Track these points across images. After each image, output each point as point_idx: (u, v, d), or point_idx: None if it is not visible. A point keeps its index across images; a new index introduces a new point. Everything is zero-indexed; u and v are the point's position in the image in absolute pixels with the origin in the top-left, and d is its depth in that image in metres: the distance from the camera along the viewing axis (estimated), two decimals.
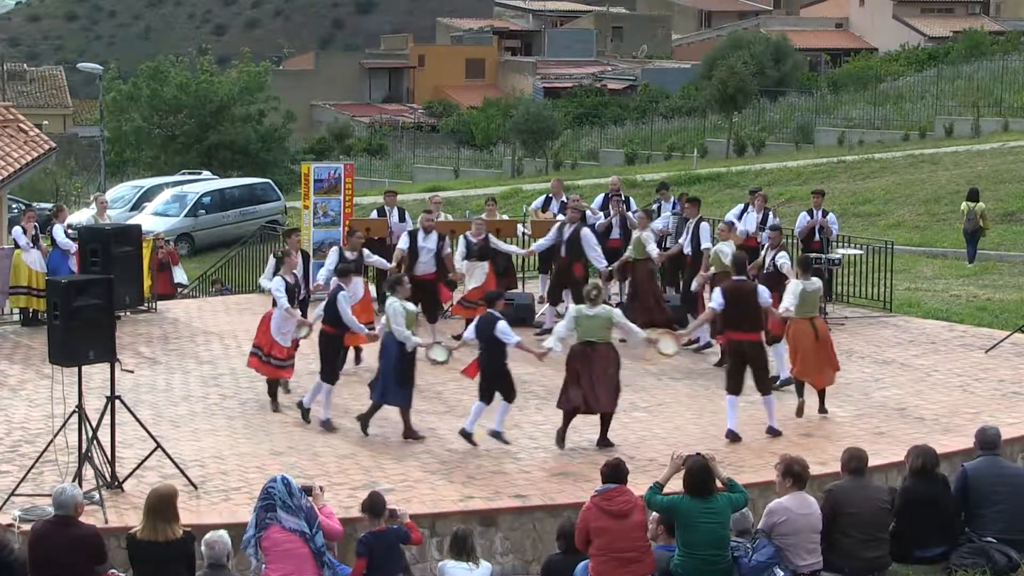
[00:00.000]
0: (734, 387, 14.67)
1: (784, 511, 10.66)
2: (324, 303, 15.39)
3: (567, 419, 14.37)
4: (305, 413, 15.25)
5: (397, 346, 14.44)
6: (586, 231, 19.34)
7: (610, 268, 19.67)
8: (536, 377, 16.49)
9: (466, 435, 14.35)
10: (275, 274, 16.28)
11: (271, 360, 15.79)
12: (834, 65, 73.96)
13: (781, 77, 61.80)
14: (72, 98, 71.14)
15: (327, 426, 15.00)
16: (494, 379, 14.36)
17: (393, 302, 14.54)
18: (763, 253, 18.32)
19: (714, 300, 14.90)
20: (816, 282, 15.74)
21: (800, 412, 15.33)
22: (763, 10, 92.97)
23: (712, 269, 18.04)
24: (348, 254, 17.32)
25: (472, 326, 14.71)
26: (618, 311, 14.83)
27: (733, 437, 14.50)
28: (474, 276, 19.24)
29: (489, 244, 19.44)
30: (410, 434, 14.63)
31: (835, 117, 53.17)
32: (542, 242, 19.99)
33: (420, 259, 18.73)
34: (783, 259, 17.68)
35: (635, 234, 19.44)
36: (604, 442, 14.38)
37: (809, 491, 11.06)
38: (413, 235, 18.96)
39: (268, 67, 57.91)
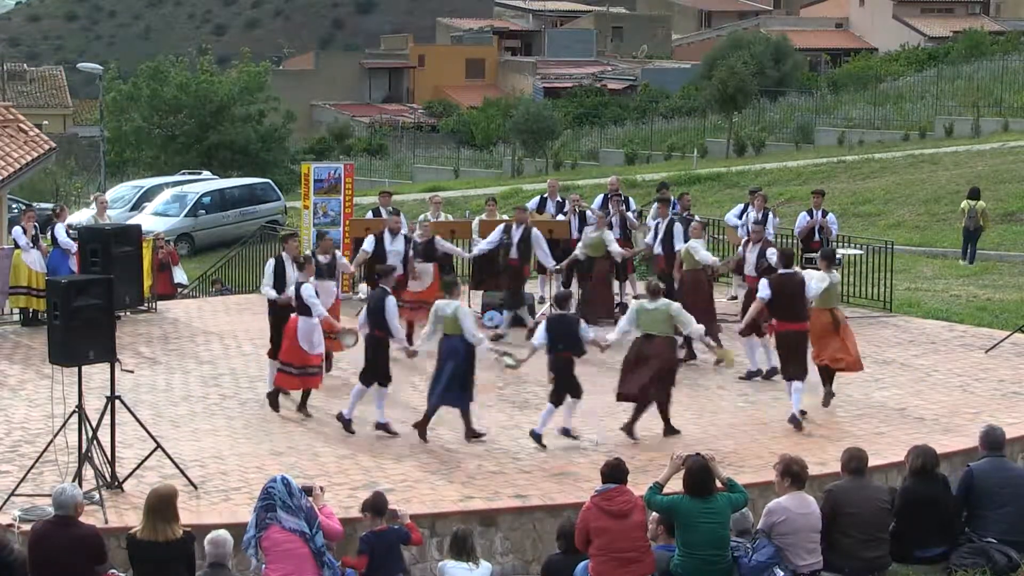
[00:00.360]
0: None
1: (783, 511, 10.66)
2: (367, 308, 14.99)
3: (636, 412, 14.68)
4: (347, 424, 14.80)
5: (466, 348, 14.34)
6: (536, 231, 19.35)
7: (558, 267, 19.77)
8: (536, 377, 16.48)
9: (537, 437, 14.35)
10: (275, 280, 15.96)
11: (306, 371, 15.35)
12: (834, 65, 73.97)
13: (781, 77, 61.80)
14: (72, 98, 71.12)
15: (387, 429, 14.68)
16: (566, 379, 14.37)
17: (459, 305, 14.43)
18: (742, 250, 18.34)
19: (762, 291, 15.30)
20: (837, 275, 16.27)
21: (827, 402, 15.65)
22: (763, 10, 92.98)
23: (684, 266, 18.13)
24: (321, 257, 16.80)
25: (543, 329, 14.55)
26: (677, 304, 14.94)
27: (795, 422, 14.97)
28: (420, 279, 18.98)
29: (434, 245, 19.33)
30: (472, 434, 14.52)
31: (835, 117, 53.17)
32: (483, 245, 19.89)
33: (388, 262, 18.06)
34: (773, 255, 17.68)
35: (591, 232, 19.46)
36: (629, 428, 14.54)
37: (809, 491, 11.06)
38: (380, 238, 18.58)
39: (268, 67, 57.89)
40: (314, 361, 15.45)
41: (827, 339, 15.62)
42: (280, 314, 15.99)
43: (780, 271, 15.51)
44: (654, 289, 14.69)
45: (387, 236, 18.54)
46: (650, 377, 14.48)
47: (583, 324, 14.55)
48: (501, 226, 19.77)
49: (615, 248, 19.55)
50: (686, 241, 18.65)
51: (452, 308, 14.44)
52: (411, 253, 18.59)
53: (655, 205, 21.85)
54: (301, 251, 17.13)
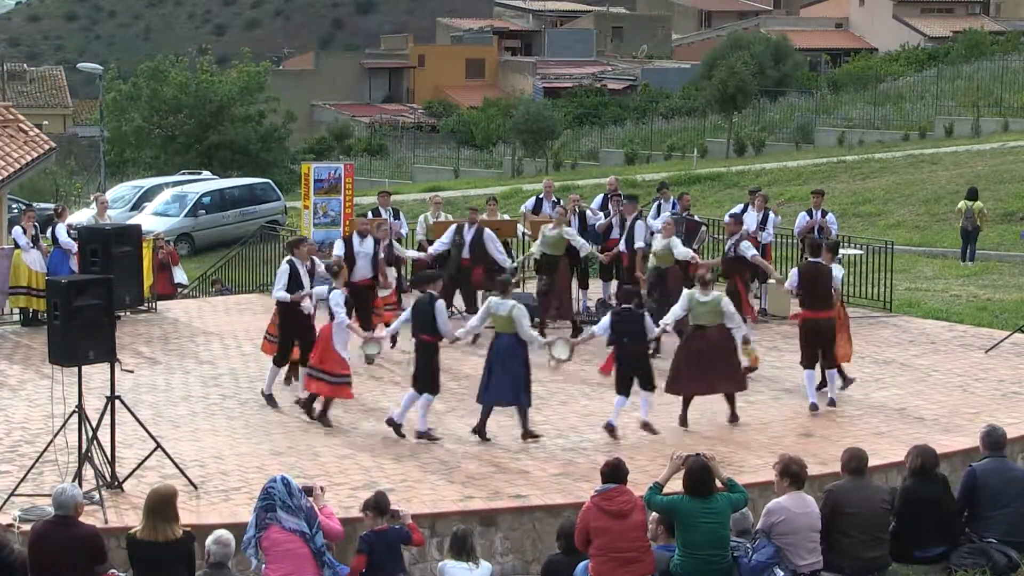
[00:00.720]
0: (809, 363, 15.72)
1: (782, 511, 10.66)
2: (412, 312, 14.75)
3: (686, 403, 15.08)
4: (397, 428, 14.65)
5: (523, 347, 14.43)
6: (488, 231, 19.21)
7: (513, 265, 19.75)
8: (536, 377, 16.48)
9: (611, 428, 14.63)
10: (290, 284, 15.59)
11: (342, 378, 15.01)
12: (834, 65, 73.97)
13: (781, 77, 61.80)
14: (72, 98, 71.16)
15: (428, 436, 14.57)
16: (638, 370, 14.65)
17: (515, 304, 14.47)
18: (728, 245, 18.79)
19: (789, 282, 15.87)
20: (842, 268, 17.00)
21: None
22: (763, 10, 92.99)
23: (654, 262, 18.48)
24: (299, 264, 16.16)
25: (607, 321, 14.72)
26: (727, 298, 15.26)
27: (815, 409, 15.53)
28: (390, 284, 18.88)
29: (393, 251, 19.16)
30: (529, 434, 14.54)
31: (835, 117, 53.19)
32: (437, 245, 19.64)
33: (357, 263, 17.88)
34: (749, 248, 18.31)
35: (549, 230, 19.42)
36: (734, 418, 15.05)
37: (809, 491, 11.06)
38: (349, 240, 18.20)
39: (268, 67, 57.88)
40: (346, 369, 15.10)
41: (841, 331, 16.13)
42: (293, 318, 15.71)
43: (809, 259, 16.00)
44: (705, 281, 14.97)
45: (355, 238, 18.05)
46: (732, 367, 14.91)
47: (649, 320, 14.77)
48: (453, 226, 19.70)
49: (580, 241, 19.49)
50: (647, 242, 19.05)
51: (508, 307, 14.47)
52: (381, 255, 18.31)
53: (657, 203, 21.94)
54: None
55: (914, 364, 18.15)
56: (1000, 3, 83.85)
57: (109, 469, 12.64)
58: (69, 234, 20.30)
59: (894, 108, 52.39)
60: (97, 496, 12.01)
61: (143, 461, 12.94)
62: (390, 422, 14.69)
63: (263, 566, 10.34)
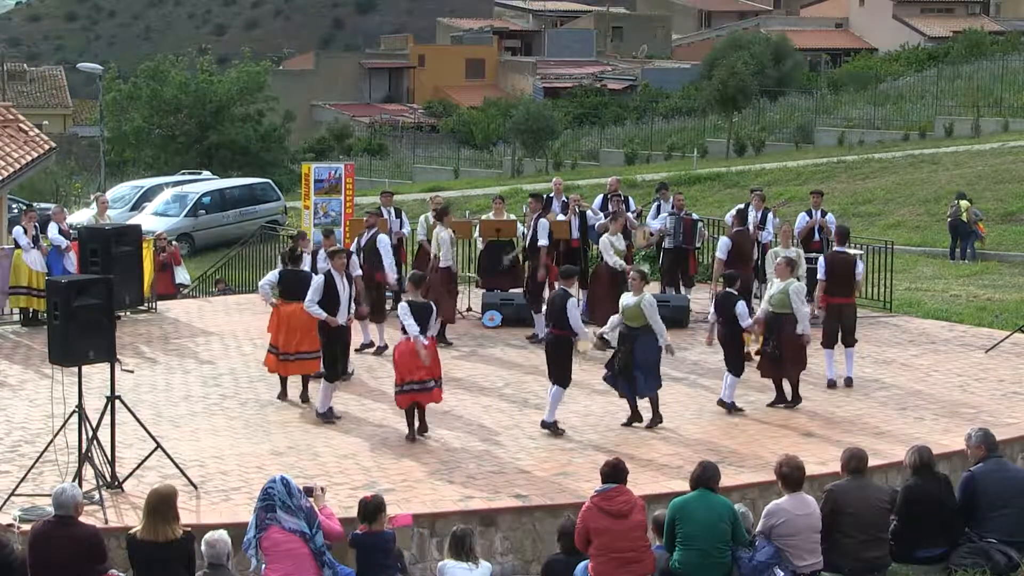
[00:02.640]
0: (829, 343, 16.73)
1: (782, 512, 10.66)
2: (548, 310, 15.09)
3: (778, 386, 15.93)
4: (552, 428, 14.73)
5: (654, 340, 14.84)
6: (382, 238, 18.85)
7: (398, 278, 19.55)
8: (536, 376, 16.50)
9: (728, 405, 15.59)
10: (325, 297, 15.13)
11: (426, 385, 14.58)
12: (834, 65, 73.95)
13: (781, 77, 61.77)
14: (72, 98, 71.14)
15: (553, 428, 14.74)
16: (729, 351, 15.62)
17: (640, 298, 14.80)
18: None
19: (819, 271, 16.91)
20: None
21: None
22: (763, 10, 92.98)
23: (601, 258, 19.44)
24: (336, 277, 15.59)
25: (713, 307, 15.95)
26: (797, 284, 15.89)
27: (832, 385, 16.64)
28: None
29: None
30: (659, 420, 15.03)
31: (835, 117, 53.16)
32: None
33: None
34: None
35: (438, 231, 19.37)
36: (795, 400, 15.75)
37: (809, 491, 11.06)
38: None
39: (268, 67, 57.88)
40: (433, 374, 14.61)
41: None
42: (333, 332, 15.37)
43: (835, 248, 16.90)
44: (792, 271, 15.76)
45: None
46: (796, 355, 15.51)
47: (740, 307, 15.46)
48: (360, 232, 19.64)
49: (444, 253, 19.36)
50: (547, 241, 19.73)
51: (635, 301, 14.84)
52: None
53: (657, 203, 21.92)
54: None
55: (914, 364, 18.16)
56: (1000, 3, 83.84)
57: (109, 469, 12.64)
58: (65, 233, 20.31)
59: (894, 108, 52.37)
60: (97, 496, 12.02)
61: (143, 461, 12.94)
62: (544, 424, 14.81)
63: (263, 566, 10.35)
